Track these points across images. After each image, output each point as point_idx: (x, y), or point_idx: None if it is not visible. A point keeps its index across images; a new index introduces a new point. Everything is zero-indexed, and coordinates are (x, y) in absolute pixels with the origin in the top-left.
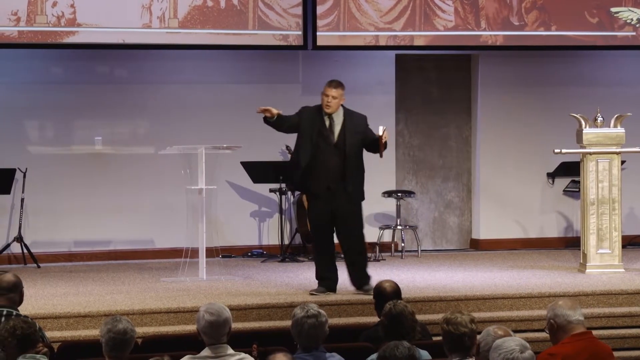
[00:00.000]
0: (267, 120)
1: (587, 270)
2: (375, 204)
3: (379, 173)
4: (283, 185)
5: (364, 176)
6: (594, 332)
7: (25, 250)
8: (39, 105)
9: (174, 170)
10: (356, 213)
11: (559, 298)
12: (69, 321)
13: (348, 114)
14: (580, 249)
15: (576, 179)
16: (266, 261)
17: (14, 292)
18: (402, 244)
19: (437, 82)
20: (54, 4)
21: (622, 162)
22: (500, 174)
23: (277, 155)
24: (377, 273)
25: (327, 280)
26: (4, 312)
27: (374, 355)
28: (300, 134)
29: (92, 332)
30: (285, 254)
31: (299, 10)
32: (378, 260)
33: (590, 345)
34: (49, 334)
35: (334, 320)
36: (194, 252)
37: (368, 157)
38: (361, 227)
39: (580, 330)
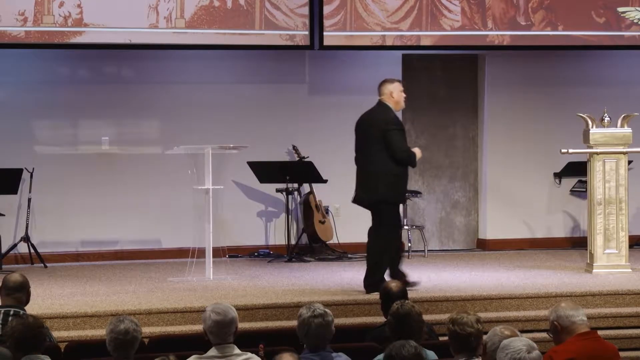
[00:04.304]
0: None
1: (594, 271)
2: None
3: None
4: (290, 185)
5: None
6: (601, 333)
7: (32, 250)
8: (46, 105)
9: (180, 170)
10: None
11: (560, 300)
12: (75, 321)
13: None
14: (587, 249)
15: (583, 179)
16: (273, 261)
17: (21, 292)
18: (409, 244)
19: (444, 82)
20: (61, 4)
21: (629, 162)
22: (507, 173)
23: (283, 155)
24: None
25: None
26: (11, 312)
27: (381, 356)
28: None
29: (99, 332)
30: (292, 254)
31: (305, 10)
32: None
33: (596, 344)
34: (55, 334)
35: (340, 321)
36: (200, 252)
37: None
38: None
39: (585, 330)
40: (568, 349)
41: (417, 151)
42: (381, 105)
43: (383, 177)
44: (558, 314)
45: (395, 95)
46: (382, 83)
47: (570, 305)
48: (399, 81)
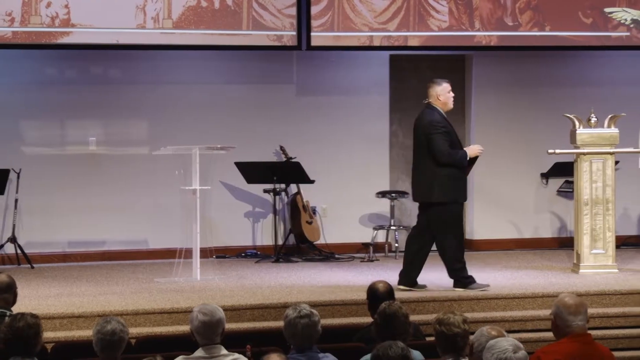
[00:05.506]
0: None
1: (580, 271)
2: (369, 205)
3: (373, 174)
4: (277, 185)
5: None
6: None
7: (19, 251)
8: (33, 105)
9: (168, 171)
10: None
11: (566, 294)
12: (62, 322)
13: None
14: (574, 249)
15: (570, 179)
16: (260, 261)
17: (8, 293)
18: (396, 244)
19: None
20: (48, 5)
21: (616, 163)
22: (495, 174)
23: (271, 156)
24: (371, 273)
25: None
26: None
27: (368, 356)
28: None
29: (86, 333)
30: (279, 254)
31: (293, 11)
32: (372, 261)
33: (587, 348)
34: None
35: (327, 321)
36: (187, 253)
37: (364, 157)
38: None
39: (579, 332)
40: (558, 349)
41: (471, 149)
42: (428, 108)
43: (433, 180)
44: (558, 311)
45: (442, 97)
46: (429, 85)
47: (572, 308)
48: (447, 82)
